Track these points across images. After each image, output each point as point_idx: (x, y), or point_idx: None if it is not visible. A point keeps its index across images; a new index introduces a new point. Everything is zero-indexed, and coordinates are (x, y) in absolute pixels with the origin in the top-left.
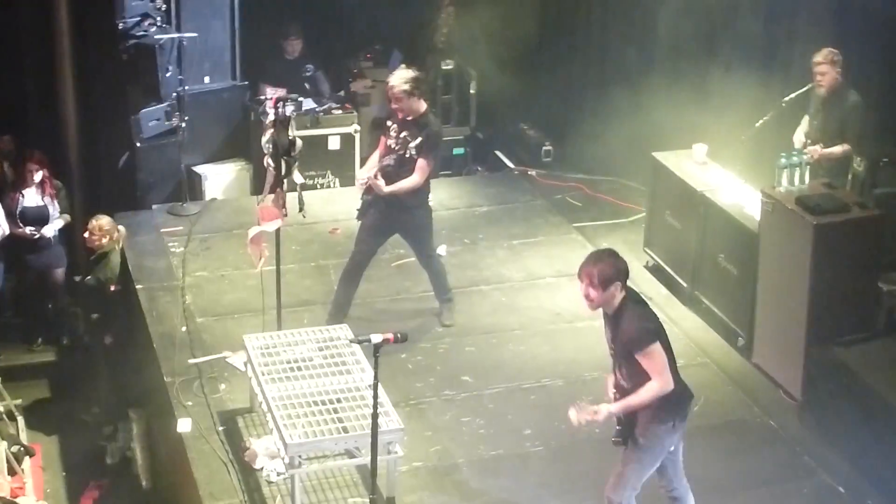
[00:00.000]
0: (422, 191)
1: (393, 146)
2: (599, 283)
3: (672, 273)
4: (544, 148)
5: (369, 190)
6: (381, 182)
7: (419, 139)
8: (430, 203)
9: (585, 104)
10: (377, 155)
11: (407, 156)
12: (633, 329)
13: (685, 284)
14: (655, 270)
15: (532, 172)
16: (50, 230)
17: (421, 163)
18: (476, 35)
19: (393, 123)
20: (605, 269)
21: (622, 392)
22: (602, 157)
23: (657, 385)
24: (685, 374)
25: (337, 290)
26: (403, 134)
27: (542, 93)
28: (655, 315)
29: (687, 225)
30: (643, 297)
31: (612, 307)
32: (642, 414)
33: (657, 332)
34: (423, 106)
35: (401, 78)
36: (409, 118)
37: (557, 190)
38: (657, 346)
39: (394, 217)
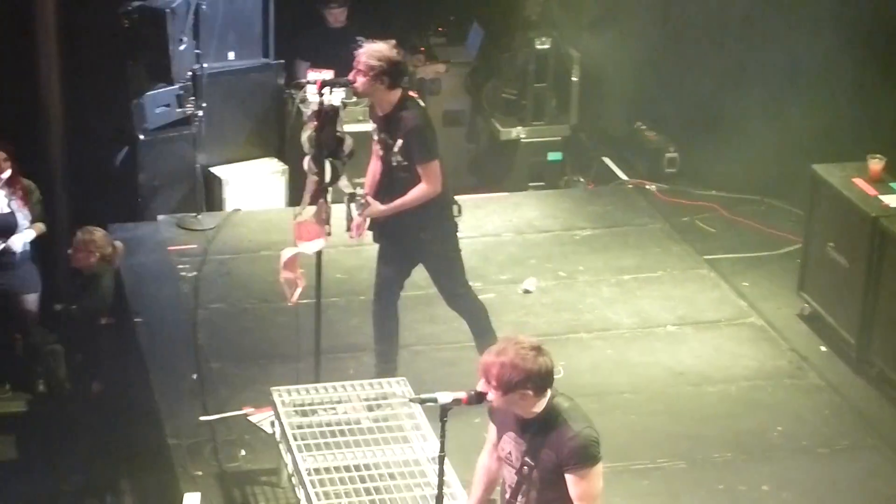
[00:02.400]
0: (433, 205)
1: (379, 153)
2: (497, 386)
3: (835, 325)
4: (668, 155)
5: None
6: (372, 202)
7: (400, 141)
8: (456, 217)
9: (723, 99)
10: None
11: (394, 164)
12: (579, 441)
13: (852, 341)
14: (813, 320)
15: (650, 187)
16: (17, 243)
17: (418, 168)
18: (581, 6)
19: (374, 123)
20: (510, 372)
21: None
22: (744, 168)
23: None
24: (849, 459)
25: (375, 337)
26: (382, 136)
27: (667, 83)
28: (593, 424)
29: (856, 262)
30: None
31: (527, 415)
32: None
33: (599, 446)
34: (396, 95)
35: (374, 50)
36: (382, 113)
37: (683, 210)
38: (600, 470)
39: (406, 243)
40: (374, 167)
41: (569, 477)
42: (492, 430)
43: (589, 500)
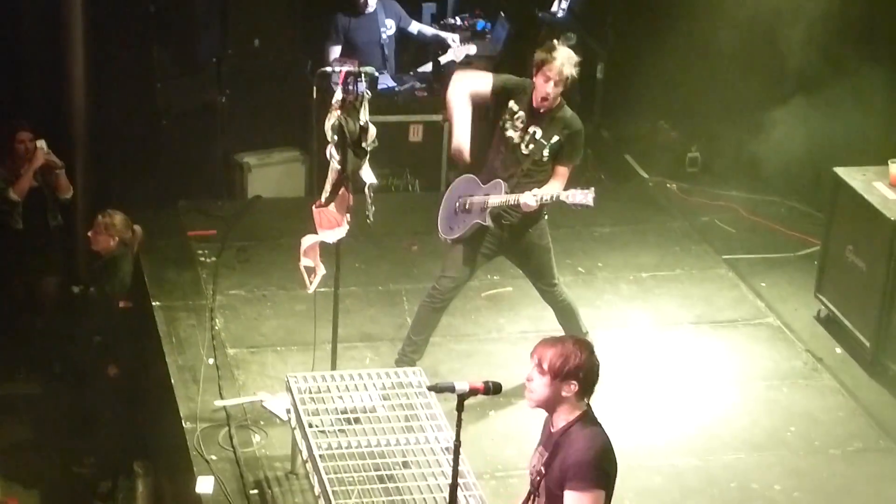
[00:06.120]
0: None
1: (515, 141)
2: (549, 369)
3: (851, 328)
4: (689, 155)
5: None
6: (532, 196)
7: (557, 138)
8: (545, 216)
9: (746, 100)
10: (463, 102)
11: (536, 157)
12: (589, 456)
13: (868, 344)
14: (829, 323)
15: (671, 185)
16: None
17: (563, 170)
18: (607, 3)
19: (519, 110)
20: (566, 358)
21: None
22: (765, 169)
23: None
24: (861, 461)
25: (413, 324)
26: (533, 129)
27: (690, 82)
28: (615, 460)
29: (875, 266)
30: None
31: (559, 422)
32: None
33: (611, 481)
34: (560, 97)
35: (570, 59)
36: (542, 109)
37: (704, 210)
38: (600, 498)
39: (511, 236)
40: (494, 156)
41: (566, 494)
42: None
43: None
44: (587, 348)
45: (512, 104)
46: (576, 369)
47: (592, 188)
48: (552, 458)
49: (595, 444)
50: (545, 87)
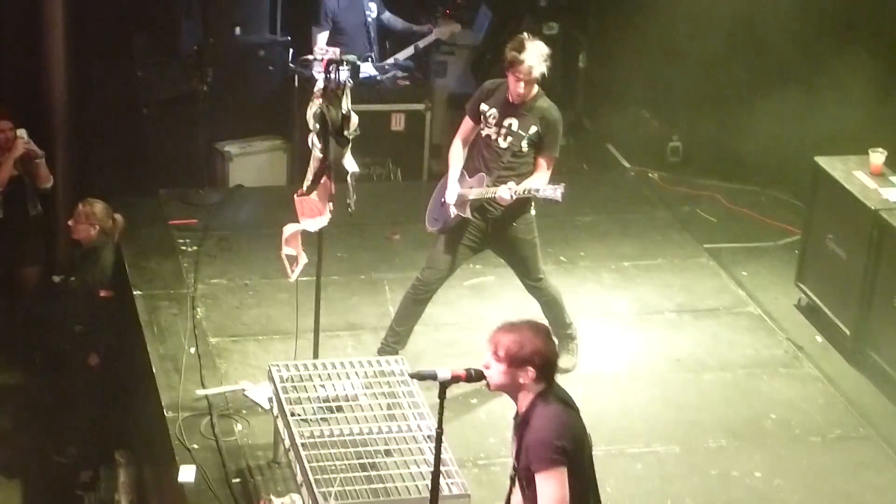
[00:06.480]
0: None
1: (492, 137)
2: (505, 356)
3: (831, 316)
4: (671, 144)
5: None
6: (507, 189)
7: (535, 128)
8: (532, 211)
9: (727, 88)
10: (457, 151)
11: (514, 149)
12: (543, 435)
13: (848, 332)
14: (810, 311)
15: (653, 175)
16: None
17: (546, 157)
18: None
19: (490, 108)
20: (521, 345)
21: None
22: (746, 159)
23: None
24: (841, 448)
25: (396, 315)
26: (509, 121)
27: (672, 72)
28: (583, 429)
29: (855, 254)
30: (573, 402)
31: (521, 407)
32: None
33: (572, 455)
34: (536, 88)
35: (540, 56)
36: (517, 101)
37: (685, 199)
38: (562, 474)
39: (495, 229)
40: (462, 148)
41: (535, 477)
42: None
43: None
44: (543, 334)
45: (482, 106)
46: (531, 355)
47: (563, 184)
48: (519, 446)
49: (549, 422)
50: (517, 88)
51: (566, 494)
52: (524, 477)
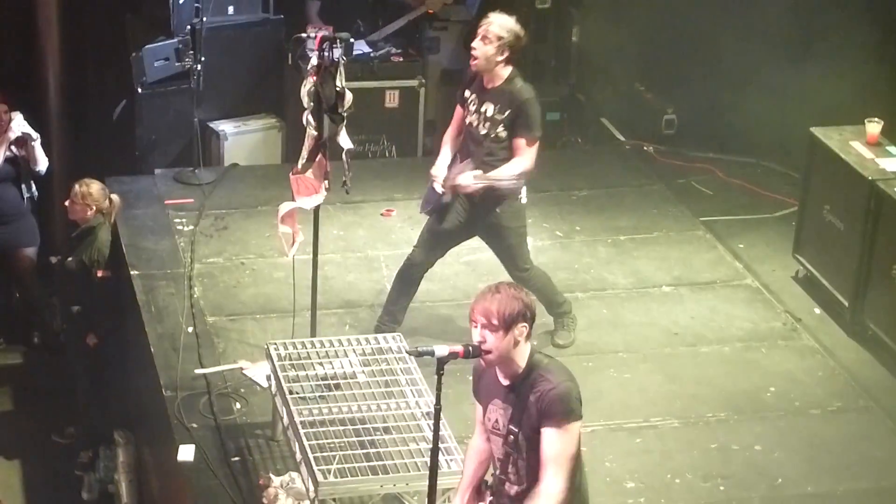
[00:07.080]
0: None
1: (474, 124)
2: (499, 322)
3: (829, 287)
4: (666, 117)
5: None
6: (469, 176)
7: (509, 111)
8: (523, 199)
9: (722, 61)
10: (448, 138)
11: (492, 136)
12: (563, 389)
13: (846, 303)
14: (807, 283)
15: (648, 148)
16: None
17: (519, 142)
18: None
19: (471, 94)
20: (509, 305)
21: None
22: (741, 131)
23: (553, 486)
24: (840, 420)
25: (390, 293)
26: (485, 107)
27: (666, 44)
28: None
29: (852, 225)
30: None
31: (514, 368)
32: None
33: (581, 408)
34: (508, 70)
35: (505, 22)
36: (491, 85)
37: (681, 172)
38: (578, 427)
39: (481, 214)
40: (454, 135)
41: (544, 433)
42: (478, 410)
43: (561, 463)
44: (518, 287)
45: (466, 93)
46: (523, 310)
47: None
48: (520, 411)
49: (565, 376)
50: (475, 46)
51: (579, 450)
52: (527, 438)
